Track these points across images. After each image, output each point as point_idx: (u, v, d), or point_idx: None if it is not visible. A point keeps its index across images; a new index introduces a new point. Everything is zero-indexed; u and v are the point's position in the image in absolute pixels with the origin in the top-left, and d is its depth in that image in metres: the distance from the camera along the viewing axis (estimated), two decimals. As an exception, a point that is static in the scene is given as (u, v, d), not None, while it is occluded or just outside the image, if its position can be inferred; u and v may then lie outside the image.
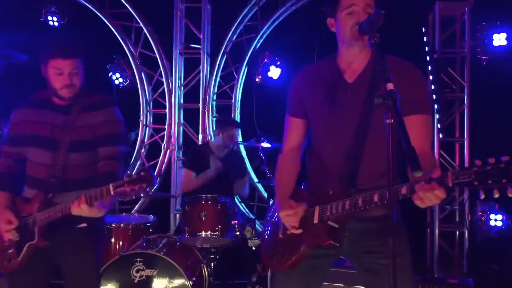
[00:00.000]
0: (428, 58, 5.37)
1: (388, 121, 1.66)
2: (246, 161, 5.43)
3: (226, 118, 5.25)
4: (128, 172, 5.61)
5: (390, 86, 1.68)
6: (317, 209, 2.05)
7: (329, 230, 1.99)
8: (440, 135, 5.42)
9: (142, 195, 2.32)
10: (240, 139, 5.55)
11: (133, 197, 2.43)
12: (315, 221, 2.03)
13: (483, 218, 5.15)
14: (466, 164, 5.41)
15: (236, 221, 3.67)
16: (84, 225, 2.55)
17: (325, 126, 2.13)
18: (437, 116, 5.37)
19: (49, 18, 5.89)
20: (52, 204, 2.46)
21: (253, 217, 4.39)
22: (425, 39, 5.39)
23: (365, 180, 2.04)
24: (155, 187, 5.85)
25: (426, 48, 5.40)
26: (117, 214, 4.72)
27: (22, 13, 5.89)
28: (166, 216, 5.62)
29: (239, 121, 5.77)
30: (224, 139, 4.27)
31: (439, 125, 5.39)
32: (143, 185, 2.22)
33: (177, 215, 5.52)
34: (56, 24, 5.92)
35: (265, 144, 4.03)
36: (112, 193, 2.24)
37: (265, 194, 5.19)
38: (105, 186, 2.26)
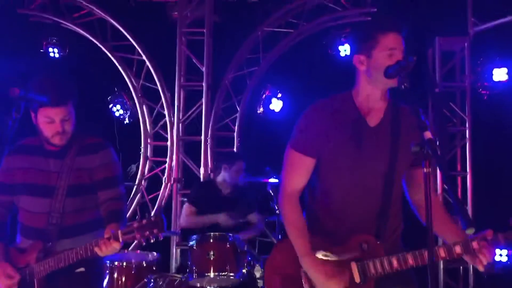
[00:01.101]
0: (429, 92, 5.42)
1: (426, 170, 1.65)
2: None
3: (231, 152, 5.20)
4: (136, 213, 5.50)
5: (428, 135, 1.67)
6: (355, 266, 1.96)
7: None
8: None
9: (152, 240, 2.24)
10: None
11: (143, 243, 2.36)
12: (357, 280, 1.95)
13: (488, 253, 5.10)
14: (469, 198, 5.41)
15: (246, 260, 3.58)
16: (82, 269, 2.45)
17: (348, 168, 2.04)
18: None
19: (50, 49, 5.86)
20: (52, 253, 2.38)
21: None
22: (425, 74, 5.45)
23: (390, 232, 2.01)
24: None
25: (427, 83, 5.46)
26: (120, 251, 4.59)
27: (23, 43, 5.86)
28: (166, 251, 5.49)
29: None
30: (231, 175, 4.19)
31: (442, 159, 5.39)
32: (154, 230, 2.16)
33: (178, 251, 5.40)
34: (57, 55, 5.90)
35: (273, 180, 3.97)
36: (120, 239, 2.18)
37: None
38: (113, 233, 2.19)
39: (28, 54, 5.77)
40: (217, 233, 3.61)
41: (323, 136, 2.05)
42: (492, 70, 5.23)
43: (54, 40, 5.83)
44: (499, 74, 5.20)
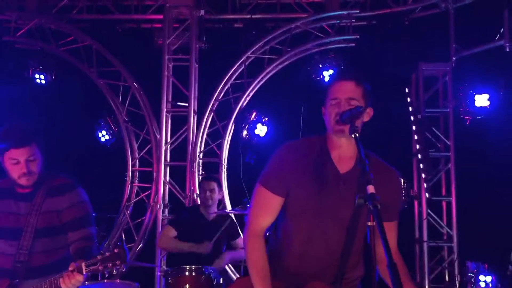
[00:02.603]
0: (412, 118, 5.45)
1: (369, 223, 1.67)
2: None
3: (206, 175, 5.24)
4: (105, 245, 5.49)
5: (370, 189, 1.70)
6: None
7: None
8: (427, 195, 5.42)
9: (115, 272, 2.28)
10: (228, 204, 5.52)
11: (106, 275, 2.40)
12: None
13: (472, 279, 5.09)
14: (454, 223, 5.40)
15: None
16: None
17: (312, 213, 2.04)
18: (423, 175, 5.40)
19: (36, 76, 5.90)
20: None
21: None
22: (408, 99, 5.49)
23: (348, 281, 2.03)
24: (139, 246, 5.73)
25: (410, 108, 5.49)
26: (99, 281, 4.57)
27: (9, 70, 5.91)
28: (150, 278, 5.46)
29: (226, 180, 5.75)
30: (201, 195, 4.23)
31: (425, 184, 5.40)
32: (117, 262, 2.21)
33: (163, 280, 5.37)
34: (43, 81, 5.94)
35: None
36: (84, 272, 2.23)
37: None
38: (77, 266, 2.24)
39: (14, 81, 5.82)
40: (193, 266, 3.61)
41: (291, 176, 2.05)
42: (474, 96, 5.26)
43: (40, 67, 5.87)
44: (481, 100, 5.23)
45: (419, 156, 5.45)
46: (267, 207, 2.08)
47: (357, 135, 1.87)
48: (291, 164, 2.06)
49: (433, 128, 5.57)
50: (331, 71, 5.69)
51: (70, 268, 2.26)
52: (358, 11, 5.72)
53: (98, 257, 2.22)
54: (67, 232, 2.52)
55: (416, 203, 5.65)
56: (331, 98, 2.05)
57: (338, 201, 2.02)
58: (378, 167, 2.03)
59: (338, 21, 5.73)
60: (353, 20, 5.71)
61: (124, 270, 2.35)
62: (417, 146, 5.47)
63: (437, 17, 5.57)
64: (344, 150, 2.08)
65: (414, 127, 5.46)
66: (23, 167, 2.43)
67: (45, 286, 2.33)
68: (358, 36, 5.65)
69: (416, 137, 5.47)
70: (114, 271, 2.27)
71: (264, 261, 2.07)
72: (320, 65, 5.71)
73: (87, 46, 5.87)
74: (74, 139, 5.91)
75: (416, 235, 5.57)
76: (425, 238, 5.43)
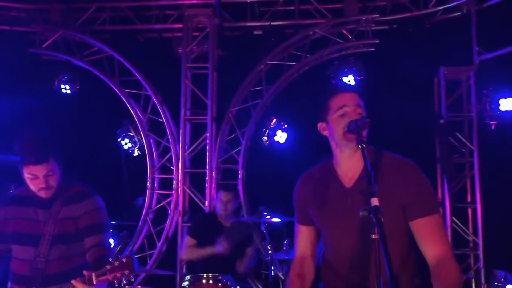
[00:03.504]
0: (434, 123, 5.34)
1: (374, 236, 1.65)
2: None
3: (225, 184, 5.25)
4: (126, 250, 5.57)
5: (374, 201, 1.67)
6: None
7: None
8: (451, 201, 5.28)
9: (124, 281, 2.33)
10: (246, 212, 5.51)
11: (116, 285, 2.43)
12: None
13: (499, 289, 4.92)
14: (480, 230, 5.25)
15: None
16: None
17: (330, 235, 2.10)
18: (446, 181, 5.27)
19: (62, 86, 6.08)
20: None
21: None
22: (430, 104, 5.38)
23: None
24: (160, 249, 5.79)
25: (432, 113, 5.38)
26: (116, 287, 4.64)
27: (36, 81, 6.10)
28: (171, 285, 5.50)
29: (244, 187, 5.76)
30: (219, 205, 4.25)
31: (449, 191, 5.27)
32: (125, 271, 2.26)
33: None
34: (68, 92, 6.11)
35: (275, 219, 3.96)
36: (94, 282, 2.27)
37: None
38: (87, 275, 2.29)
39: (41, 92, 6.01)
40: (210, 274, 3.62)
41: (306, 204, 2.16)
42: (499, 99, 5.11)
43: (65, 77, 6.05)
44: (506, 104, 5.08)
45: (443, 162, 5.32)
46: (299, 237, 2.25)
47: (363, 145, 1.84)
48: (303, 193, 2.19)
49: (456, 133, 5.43)
50: (350, 77, 5.64)
51: (81, 279, 2.32)
52: (377, 16, 5.65)
53: (107, 266, 2.27)
54: (83, 238, 2.58)
55: (440, 210, 5.50)
56: (336, 109, 2.02)
57: (349, 216, 2.00)
58: (393, 164, 2.01)
59: (358, 26, 5.67)
60: (373, 25, 5.65)
61: (132, 279, 2.38)
62: (440, 152, 5.34)
63: (458, 20, 5.45)
64: (349, 163, 2.07)
65: (436, 132, 5.34)
66: (42, 182, 2.50)
67: None
68: (378, 41, 5.58)
69: (439, 142, 5.35)
70: (124, 280, 2.31)
71: (296, 284, 2.17)
72: (340, 71, 5.67)
73: (109, 56, 6.01)
74: (97, 146, 6.05)
75: (441, 243, 5.42)
76: (449, 246, 5.28)
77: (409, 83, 5.38)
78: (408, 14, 5.64)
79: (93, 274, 2.28)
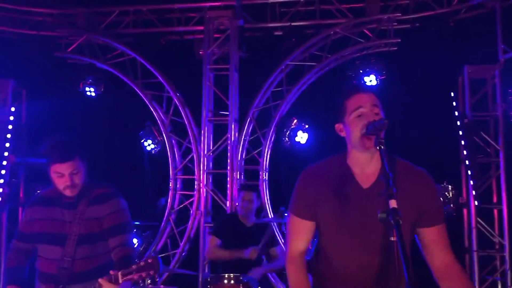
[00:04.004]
0: (458, 122, 5.25)
1: (392, 238, 1.65)
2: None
3: (245, 183, 5.27)
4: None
5: (393, 203, 1.66)
6: None
7: None
8: (476, 202, 5.19)
9: (149, 281, 2.40)
10: (269, 212, 5.52)
11: (141, 284, 2.49)
12: None
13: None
14: (506, 231, 5.14)
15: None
16: None
17: (342, 232, 2.05)
18: (471, 182, 5.18)
19: (87, 89, 6.20)
20: None
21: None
22: (454, 103, 5.30)
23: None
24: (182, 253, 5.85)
25: (456, 113, 5.30)
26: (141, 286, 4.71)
27: (61, 84, 6.24)
28: (193, 285, 5.55)
29: (267, 188, 5.77)
30: (240, 204, 4.27)
31: (474, 191, 5.18)
32: (151, 272, 2.32)
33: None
34: (93, 94, 6.23)
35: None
36: (120, 281, 2.34)
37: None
38: (113, 274, 2.36)
39: (66, 95, 6.14)
40: (231, 275, 3.65)
41: (315, 200, 2.08)
42: (525, 98, 5.01)
43: (90, 80, 6.17)
44: (533, 102, 4.97)
45: (467, 162, 5.23)
46: (299, 233, 2.15)
47: (382, 147, 1.83)
48: (313, 188, 2.09)
49: (481, 133, 5.33)
50: (372, 76, 5.60)
51: (107, 278, 2.39)
52: (399, 14, 5.60)
53: (133, 266, 2.34)
54: (107, 238, 2.66)
55: (465, 211, 5.42)
56: (352, 110, 2.00)
57: (364, 217, 1.99)
58: (407, 172, 1.99)
59: (379, 25, 5.63)
60: (395, 24, 5.59)
61: (157, 279, 2.43)
62: (465, 152, 5.26)
63: (483, 17, 5.35)
64: (366, 164, 2.04)
65: (461, 132, 5.26)
66: (68, 180, 2.60)
67: None
68: (400, 40, 5.52)
69: (463, 142, 5.26)
70: (148, 280, 2.37)
71: (304, 281, 2.10)
72: (361, 71, 5.63)
73: (132, 59, 6.11)
74: (121, 147, 6.16)
75: (466, 244, 5.34)
76: (474, 247, 5.20)
77: (432, 82, 5.31)
78: (431, 12, 5.56)
79: (119, 273, 2.35)
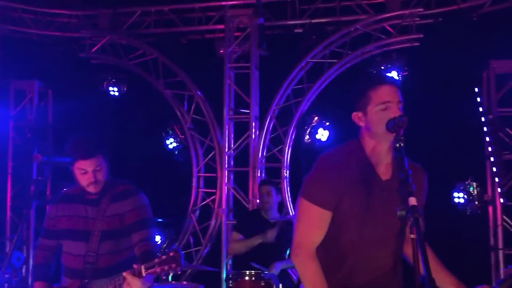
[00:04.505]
0: (483, 118, 5.16)
1: (412, 236, 1.64)
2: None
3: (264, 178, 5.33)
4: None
5: (412, 201, 1.65)
6: None
7: None
8: (502, 200, 5.10)
9: (171, 274, 2.44)
10: (290, 209, 5.54)
11: (164, 277, 2.55)
12: None
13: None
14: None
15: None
16: None
17: (362, 222, 2.00)
18: (496, 179, 5.09)
19: (110, 88, 6.32)
20: None
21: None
22: (478, 99, 5.21)
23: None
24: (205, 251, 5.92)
25: (481, 109, 5.21)
26: (165, 283, 4.77)
27: (85, 84, 6.37)
28: (216, 281, 5.60)
29: (288, 185, 5.79)
30: (260, 199, 4.30)
31: (499, 189, 5.09)
32: (173, 265, 2.36)
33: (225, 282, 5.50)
34: (116, 94, 6.34)
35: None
36: (143, 274, 2.40)
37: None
38: (137, 268, 2.42)
39: (90, 94, 6.27)
40: (252, 271, 3.68)
41: (339, 188, 1.98)
42: (553, 93, 4.88)
43: (113, 80, 6.28)
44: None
45: (492, 158, 5.14)
46: (317, 223, 2.01)
47: (402, 144, 1.81)
48: (336, 177, 1.98)
49: (507, 129, 5.23)
50: (394, 73, 5.54)
51: (130, 271, 2.44)
52: (422, 10, 5.52)
53: (156, 260, 2.38)
54: (130, 234, 2.72)
55: (490, 208, 5.32)
56: (379, 102, 1.95)
57: (383, 208, 1.98)
58: (410, 166, 1.95)
59: (401, 21, 5.56)
60: (417, 19, 5.52)
61: (179, 272, 2.48)
62: (490, 148, 5.16)
63: (508, 11, 5.23)
64: (383, 157, 2.02)
65: (486, 128, 5.16)
66: (91, 176, 2.67)
67: (110, 286, 2.54)
68: (422, 35, 5.45)
69: (488, 138, 5.17)
70: (171, 273, 2.42)
71: (323, 280, 1.99)
72: (383, 67, 5.58)
73: (154, 58, 6.19)
74: (144, 146, 6.25)
75: (491, 243, 5.25)
76: (500, 245, 5.11)
77: (456, 78, 5.22)
78: (454, 7, 5.47)
79: (142, 267, 2.40)
